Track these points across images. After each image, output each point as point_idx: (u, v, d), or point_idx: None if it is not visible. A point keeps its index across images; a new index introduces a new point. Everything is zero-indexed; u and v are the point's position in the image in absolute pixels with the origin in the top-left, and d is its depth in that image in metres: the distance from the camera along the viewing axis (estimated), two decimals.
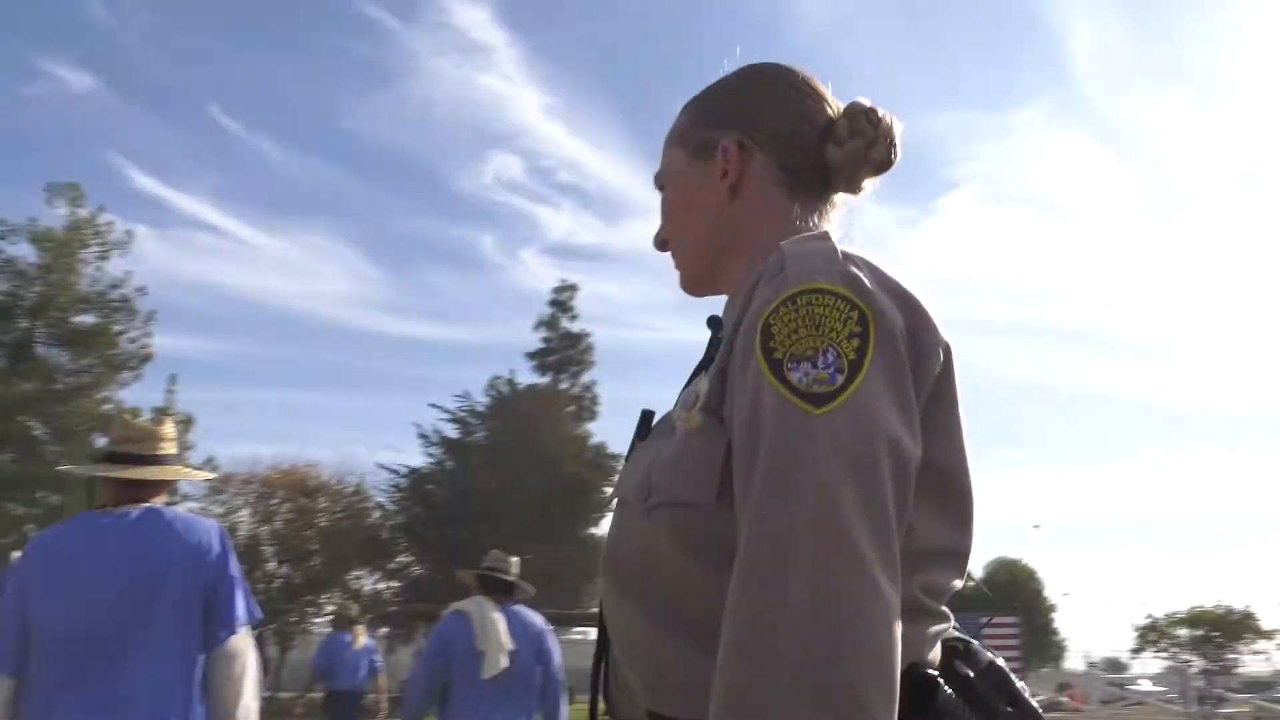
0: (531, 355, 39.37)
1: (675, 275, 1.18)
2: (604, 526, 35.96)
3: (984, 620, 14.15)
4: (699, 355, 1.03)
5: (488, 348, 65.68)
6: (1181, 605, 33.22)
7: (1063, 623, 50.10)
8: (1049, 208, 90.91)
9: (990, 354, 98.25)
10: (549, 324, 40.13)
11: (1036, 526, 55.37)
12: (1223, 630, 31.62)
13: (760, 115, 1.11)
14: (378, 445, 73.10)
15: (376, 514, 32.52)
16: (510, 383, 36.68)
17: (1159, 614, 33.35)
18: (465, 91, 60.28)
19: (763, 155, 1.09)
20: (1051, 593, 50.37)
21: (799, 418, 0.81)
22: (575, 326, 40.14)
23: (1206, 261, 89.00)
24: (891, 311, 0.87)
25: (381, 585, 32.38)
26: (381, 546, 31.80)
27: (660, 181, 1.18)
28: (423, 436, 34.33)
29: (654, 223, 1.18)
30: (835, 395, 0.81)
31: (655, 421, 1.05)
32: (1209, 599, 32.92)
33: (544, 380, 38.66)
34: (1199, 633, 31.77)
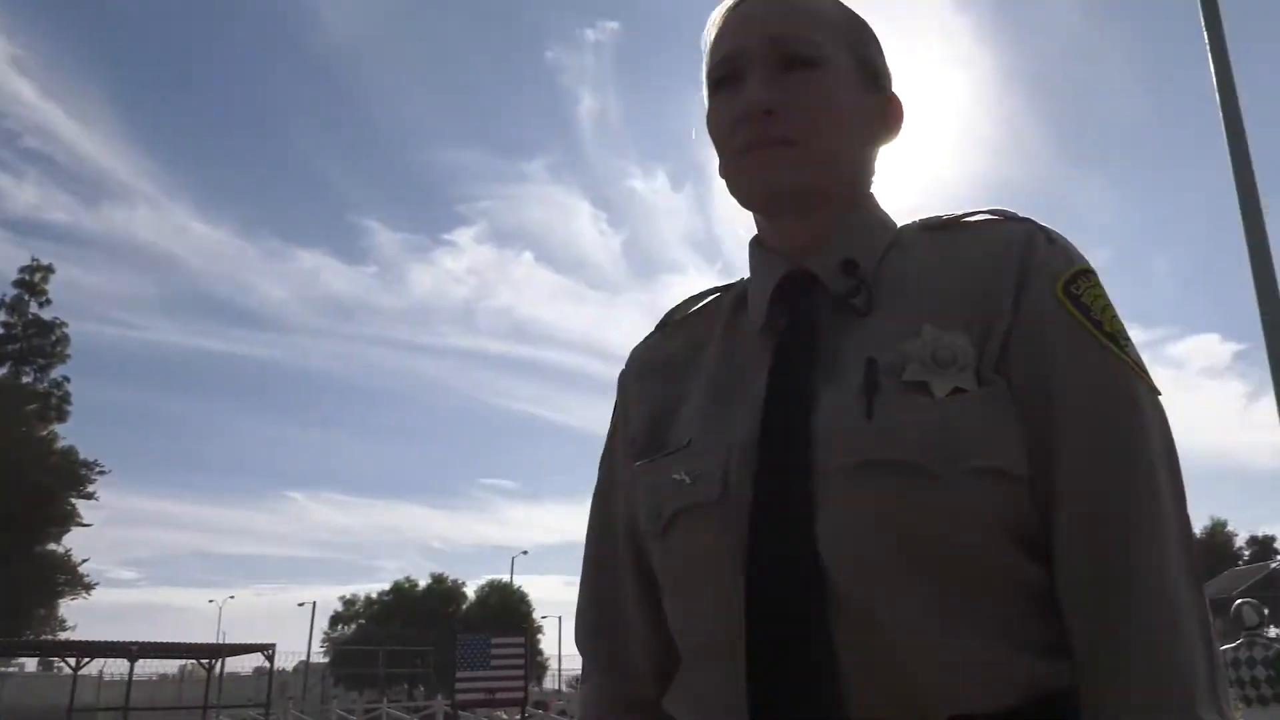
0: None
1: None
2: (68, 541, 32.09)
3: (493, 641, 14.36)
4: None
5: None
6: None
7: (547, 644, 53.05)
8: (548, 255, 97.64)
9: (484, 384, 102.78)
10: (12, 307, 34.78)
11: (525, 552, 57.67)
12: None
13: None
14: None
15: None
16: None
17: None
18: None
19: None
20: (538, 614, 53.53)
21: (1156, 399, 0.84)
22: (46, 314, 35.15)
23: None
24: None
25: None
26: None
27: (813, 55, 0.95)
28: None
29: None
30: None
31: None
32: None
33: (0, 371, 33.30)
34: None
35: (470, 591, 54.98)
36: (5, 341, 34.06)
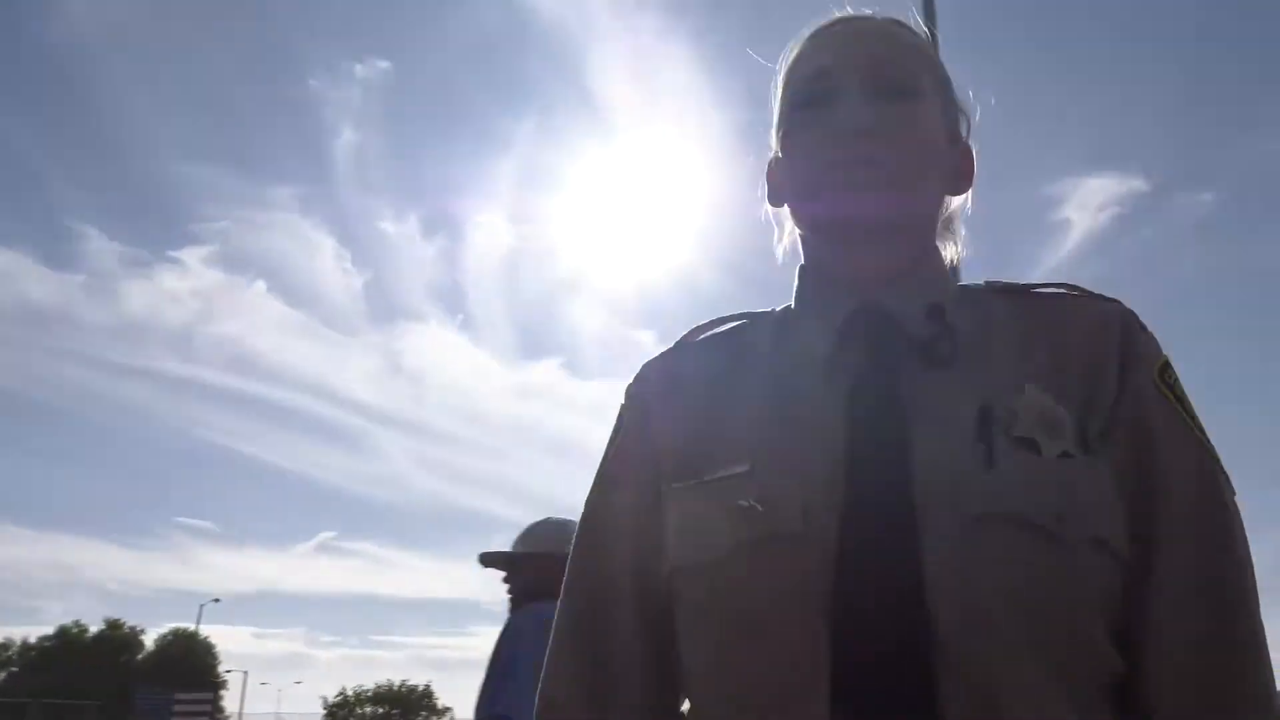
0: None
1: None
2: None
3: (178, 697, 12.76)
4: None
5: None
6: (371, 683, 37.51)
7: (232, 699, 49.66)
8: (283, 287, 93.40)
9: (196, 417, 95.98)
10: None
11: (217, 600, 53.32)
12: (403, 706, 35.44)
13: None
14: None
15: None
16: None
17: (350, 691, 37.22)
18: None
19: None
20: (225, 667, 50.18)
21: (1234, 497, 0.86)
22: None
23: (421, 374, 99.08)
24: None
25: None
26: None
27: (914, 86, 0.94)
28: None
29: None
30: None
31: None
32: (398, 677, 38.02)
33: None
34: (382, 710, 35.36)
35: (150, 640, 50.45)
36: None
